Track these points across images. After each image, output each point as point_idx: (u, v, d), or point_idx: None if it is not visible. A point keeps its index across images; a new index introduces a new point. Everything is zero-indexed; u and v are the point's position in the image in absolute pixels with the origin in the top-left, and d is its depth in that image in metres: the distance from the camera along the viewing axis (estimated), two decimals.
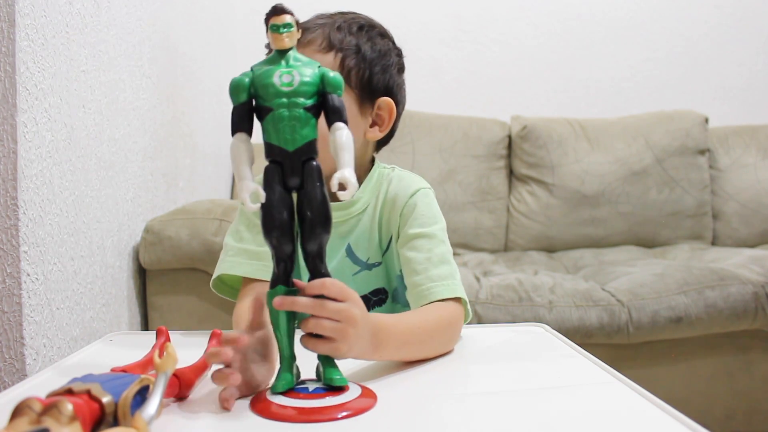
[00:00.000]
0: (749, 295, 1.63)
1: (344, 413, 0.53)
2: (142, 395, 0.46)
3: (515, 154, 2.30)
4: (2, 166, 0.89)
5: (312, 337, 0.57)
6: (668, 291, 1.63)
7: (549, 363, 0.71)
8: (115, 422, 0.44)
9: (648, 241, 2.24)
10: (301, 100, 0.56)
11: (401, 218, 0.84)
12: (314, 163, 0.57)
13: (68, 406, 0.41)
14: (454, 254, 2.28)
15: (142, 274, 1.42)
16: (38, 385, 0.62)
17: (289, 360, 0.58)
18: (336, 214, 0.72)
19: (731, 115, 2.55)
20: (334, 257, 0.84)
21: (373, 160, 0.90)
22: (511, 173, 2.32)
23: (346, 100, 0.78)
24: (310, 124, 0.56)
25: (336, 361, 0.59)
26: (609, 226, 2.23)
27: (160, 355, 0.49)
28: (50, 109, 0.98)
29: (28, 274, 0.94)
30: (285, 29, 0.56)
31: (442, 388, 0.61)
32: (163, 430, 0.49)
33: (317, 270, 0.58)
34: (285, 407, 0.54)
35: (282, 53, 0.57)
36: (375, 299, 0.86)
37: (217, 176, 2.13)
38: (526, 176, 2.27)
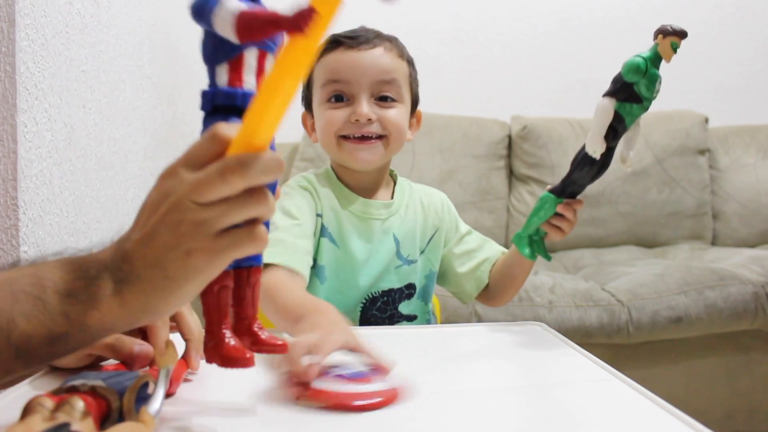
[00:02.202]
0: (749, 295, 1.63)
1: (378, 399, 0.54)
2: (142, 392, 0.46)
3: (515, 154, 2.30)
4: (2, 166, 0.89)
5: (553, 227, 0.86)
6: (668, 291, 1.63)
7: (546, 360, 0.71)
8: (120, 418, 0.44)
9: (648, 241, 2.24)
10: (645, 104, 0.77)
11: (448, 221, 1.01)
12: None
13: (80, 403, 0.41)
14: None
15: None
16: (38, 385, 0.62)
17: (530, 238, 0.89)
18: (382, 212, 0.94)
19: (731, 115, 2.55)
20: (383, 249, 0.94)
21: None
22: (511, 173, 2.32)
23: (407, 103, 0.94)
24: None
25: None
26: (609, 226, 2.23)
27: (164, 352, 0.49)
28: (50, 109, 0.98)
29: None
30: (678, 49, 0.79)
31: (440, 385, 0.61)
32: (166, 425, 0.49)
33: (577, 194, 0.86)
34: (325, 391, 0.54)
35: (659, 63, 0.77)
36: (407, 292, 0.96)
37: None
38: (526, 176, 2.27)
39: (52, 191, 1.00)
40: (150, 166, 1.47)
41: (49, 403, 0.41)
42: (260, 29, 0.44)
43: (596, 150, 0.78)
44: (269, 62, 0.49)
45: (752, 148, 2.36)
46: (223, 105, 0.47)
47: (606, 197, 2.22)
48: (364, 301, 0.92)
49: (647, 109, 0.77)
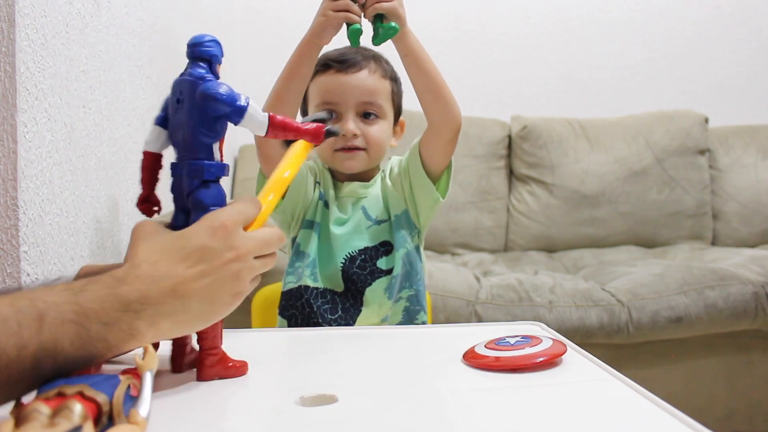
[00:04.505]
0: (749, 295, 1.63)
1: (541, 359, 0.64)
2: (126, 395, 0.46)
3: (515, 154, 2.30)
4: (2, 166, 0.89)
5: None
6: (668, 291, 1.63)
7: None
8: (110, 422, 0.44)
9: (648, 241, 2.24)
10: None
11: (399, 173, 1.09)
12: None
13: (78, 406, 0.40)
14: (454, 254, 2.28)
15: None
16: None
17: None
18: (361, 191, 1.08)
19: (731, 115, 2.55)
20: (354, 216, 1.07)
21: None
22: (511, 173, 2.32)
23: (389, 117, 1.09)
24: None
25: None
26: (609, 226, 2.23)
27: (143, 356, 0.51)
28: (50, 109, 0.98)
29: (28, 274, 0.94)
30: None
31: (439, 384, 0.61)
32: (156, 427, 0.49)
33: None
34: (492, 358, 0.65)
35: None
36: (383, 249, 1.06)
37: None
38: (526, 176, 2.27)
39: (52, 191, 1.00)
40: None
41: (45, 408, 0.39)
42: (285, 133, 0.62)
43: None
44: None
45: (752, 148, 2.36)
46: (218, 177, 0.61)
47: (606, 197, 2.23)
48: (344, 260, 1.04)
49: None
